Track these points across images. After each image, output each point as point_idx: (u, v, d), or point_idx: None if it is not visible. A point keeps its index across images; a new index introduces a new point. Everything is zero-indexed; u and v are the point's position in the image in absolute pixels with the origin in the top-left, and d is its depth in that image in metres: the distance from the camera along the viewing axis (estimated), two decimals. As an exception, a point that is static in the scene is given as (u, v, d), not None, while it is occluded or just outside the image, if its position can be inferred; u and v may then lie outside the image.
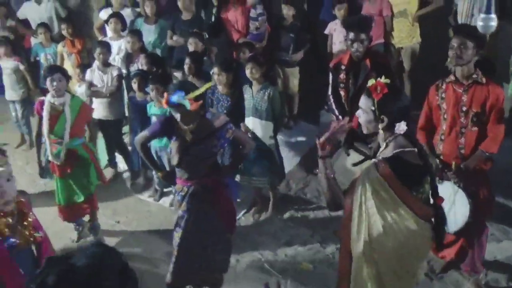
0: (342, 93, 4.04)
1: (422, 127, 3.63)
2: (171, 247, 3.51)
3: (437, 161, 3.48)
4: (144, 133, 3.50)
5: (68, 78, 4.43)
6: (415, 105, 5.31)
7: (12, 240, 2.36)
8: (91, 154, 4.48)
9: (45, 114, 4.23)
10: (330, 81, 4.17)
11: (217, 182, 3.48)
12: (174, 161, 3.38)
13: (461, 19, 5.05)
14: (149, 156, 3.73)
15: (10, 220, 2.38)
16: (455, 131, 3.40)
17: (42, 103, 4.30)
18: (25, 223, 2.44)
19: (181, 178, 3.43)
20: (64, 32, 6.39)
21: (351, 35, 3.82)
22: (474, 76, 3.32)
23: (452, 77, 3.40)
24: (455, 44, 3.27)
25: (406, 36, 5.33)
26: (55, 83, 4.16)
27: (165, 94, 3.22)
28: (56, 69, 4.37)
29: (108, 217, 4.93)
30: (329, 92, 4.19)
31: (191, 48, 5.22)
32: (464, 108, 3.34)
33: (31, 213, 2.51)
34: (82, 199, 4.45)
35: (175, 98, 3.16)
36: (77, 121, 4.31)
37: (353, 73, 3.96)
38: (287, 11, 5.52)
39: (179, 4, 5.77)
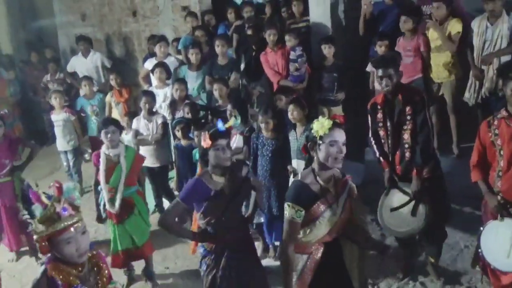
0: (381, 132, 4.00)
1: (475, 164, 3.52)
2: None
3: (498, 198, 3.35)
4: (176, 204, 3.21)
5: (121, 129, 4.58)
6: (462, 138, 5.29)
7: None
8: (143, 197, 4.60)
9: (102, 165, 4.36)
10: (370, 123, 4.14)
11: (247, 230, 3.45)
12: (209, 221, 3.19)
13: (477, 52, 4.99)
14: (177, 228, 3.43)
15: (80, 270, 2.34)
16: (514, 167, 3.29)
17: (98, 155, 4.45)
18: (99, 276, 2.42)
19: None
20: (112, 82, 6.66)
21: (380, 72, 3.82)
22: None
23: (504, 113, 3.32)
24: None
25: (444, 70, 5.26)
26: (109, 135, 4.30)
27: (206, 134, 3.13)
28: (110, 122, 4.51)
29: (158, 263, 4.95)
30: (370, 134, 4.16)
31: (216, 93, 5.37)
32: (521, 143, 3.24)
33: (104, 265, 2.48)
34: (141, 243, 4.49)
35: (221, 125, 3.17)
36: (132, 170, 4.43)
37: (389, 111, 3.93)
38: (328, 50, 5.57)
39: (217, 49, 5.94)
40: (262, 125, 4.52)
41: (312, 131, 2.72)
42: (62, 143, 6.66)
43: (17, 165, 5.20)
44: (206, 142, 3.11)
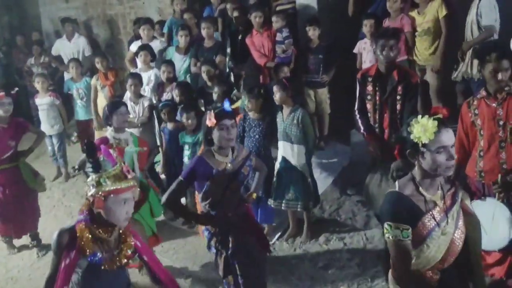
0: (368, 105, 3.99)
1: (456, 146, 3.53)
2: (209, 274, 3.48)
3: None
4: (178, 182, 3.18)
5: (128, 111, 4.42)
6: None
7: (98, 255, 2.38)
8: (153, 186, 4.48)
9: (112, 151, 4.13)
10: (357, 94, 4.12)
11: (247, 208, 3.46)
12: (211, 202, 3.21)
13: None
14: (183, 210, 3.52)
15: (109, 235, 2.41)
16: (494, 146, 3.32)
17: (104, 139, 4.09)
18: (123, 246, 2.47)
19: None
20: (98, 66, 6.58)
21: (381, 41, 3.79)
22: (507, 88, 3.26)
23: (483, 93, 3.35)
24: (504, 67, 3.18)
25: (430, 54, 5.24)
26: (123, 116, 4.18)
27: (212, 112, 3.11)
28: (120, 103, 4.35)
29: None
30: (356, 107, 4.15)
31: (204, 76, 5.33)
32: (501, 122, 3.27)
33: (132, 237, 2.52)
34: (151, 233, 4.31)
35: (227, 106, 3.16)
36: (140, 155, 4.31)
37: (380, 85, 3.91)
38: (312, 32, 5.54)
39: (203, 32, 5.89)
40: (247, 105, 4.52)
41: (412, 136, 2.15)
42: (46, 127, 6.58)
43: (22, 150, 5.05)
44: (211, 121, 3.10)
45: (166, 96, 5.64)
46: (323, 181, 5.28)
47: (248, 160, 3.30)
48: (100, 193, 2.33)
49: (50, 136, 6.64)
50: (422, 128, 2.12)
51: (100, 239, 2.39)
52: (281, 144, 4.57)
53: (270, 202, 4.65)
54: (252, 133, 4.60)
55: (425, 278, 2.28)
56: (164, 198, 3.22)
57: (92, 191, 2.35)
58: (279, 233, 4.89)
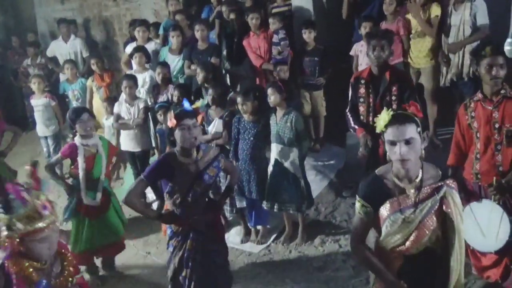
0: (361, 108, 4.00)
1: (453, 148, 3.56)
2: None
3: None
4: (139, 181, 3.15)
5: (93, 116, 4.44)
6: (441, 123, 5.32)
7: (44, 282, 2.22)
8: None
9: (81, 157, 4.17)
10: (349, 97, 4.13)
11: (217, 217, 3.44)
12: (175, 202, 3.16)
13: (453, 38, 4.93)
14: (144, 208, 3.43)
15: (44, 262, 2.24)
16: (491, 149, 3.33)
17: (73, 146, 4.23)
18: (65, 264, 2.34)
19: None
20: (93, 67, 6.58)
21: (373, 42, 3.81)
22: (503, 91, 3.27)
23: (479, 95, 3.36)
24: (498, 63, 3.20)
25: (424, 56, 5.27)
26: (85, 124, 4.16)
27: (172, 113, 3.10)
28: (83, 110, 4.36)
29: (139, 248, 4.94)
30: (347, 109, 4.16)
31: (199, 78, 5.32)
32: (497, 125, 3.28)
33: (69, 254, 2.39)
34: (118, 238, 4.39)
35: (188, 105, 3.14)
36: (108, 161, 4.33)
37: (373, 87, 3.93)
38: (308, 35, 5.55)
39: (197, 34, 5.89)
40: (240, 107, 4.51)
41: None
42: (42, 128, 6.57)
43: (0, 150, 5.04)
44: (171, 121, 3.09)
45: (162, 98, 5.63)
46: (318, 183, 5.28)
47: (215, 161, 3.25)
48: (12, 237, 2.10)
49: (46, 137, 6.62)
50: (378, 120, 2.33)
51: (36, 268, 2.21)
52: (274, 146, 4.56)
53: (264, 204, 4.65)
54: (247, 135, 4.59)
55: (390, 260, 2.37)
56: (123, 197, 3.19)
57: (4, 234, 2.10)
58: (275, 235, 4.89)
